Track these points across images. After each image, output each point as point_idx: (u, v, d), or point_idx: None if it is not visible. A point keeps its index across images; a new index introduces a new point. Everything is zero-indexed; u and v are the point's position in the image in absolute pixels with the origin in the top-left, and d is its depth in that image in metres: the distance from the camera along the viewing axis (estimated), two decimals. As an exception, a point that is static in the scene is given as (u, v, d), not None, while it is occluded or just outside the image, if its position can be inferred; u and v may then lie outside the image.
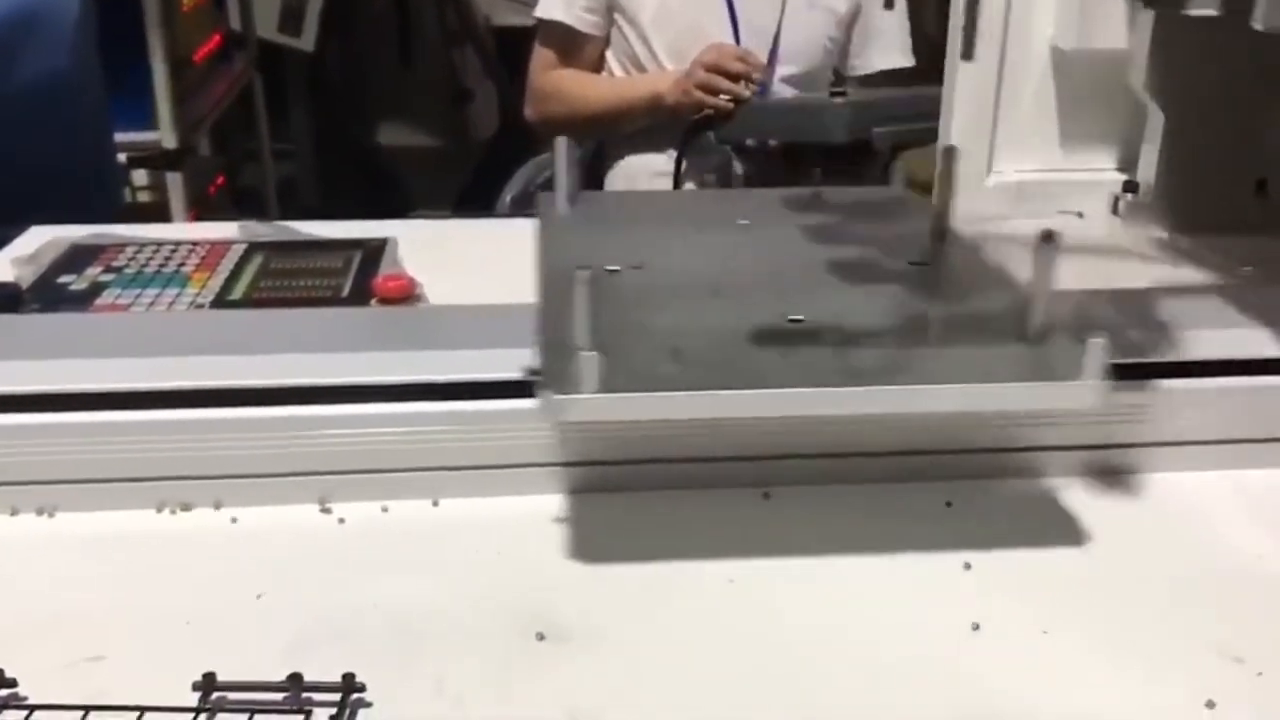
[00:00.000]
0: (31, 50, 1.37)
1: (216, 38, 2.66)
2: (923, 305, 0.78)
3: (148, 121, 2.25)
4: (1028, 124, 1.22)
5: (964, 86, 1.20)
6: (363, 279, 1.01)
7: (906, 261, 0.83)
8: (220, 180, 2.66)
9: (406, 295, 0.98)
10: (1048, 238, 0.69)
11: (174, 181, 2.27)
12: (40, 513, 0.76)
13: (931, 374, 0.67)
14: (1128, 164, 1.19)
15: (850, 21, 1.89)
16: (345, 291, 0.99)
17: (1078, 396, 0.67)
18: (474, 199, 3.14)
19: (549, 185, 1.94)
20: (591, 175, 1.91)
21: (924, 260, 0.83)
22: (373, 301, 0.97)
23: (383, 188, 3.39)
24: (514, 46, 3.10)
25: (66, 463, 0.75)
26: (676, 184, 1.78)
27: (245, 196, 3.06)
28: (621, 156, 1.89)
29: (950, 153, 0.84)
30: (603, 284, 0.79)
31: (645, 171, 1.86)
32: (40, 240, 1.13)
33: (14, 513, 0.76)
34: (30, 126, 1.39)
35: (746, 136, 1.75)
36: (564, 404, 0.64)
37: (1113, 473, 0.81)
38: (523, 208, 1.85)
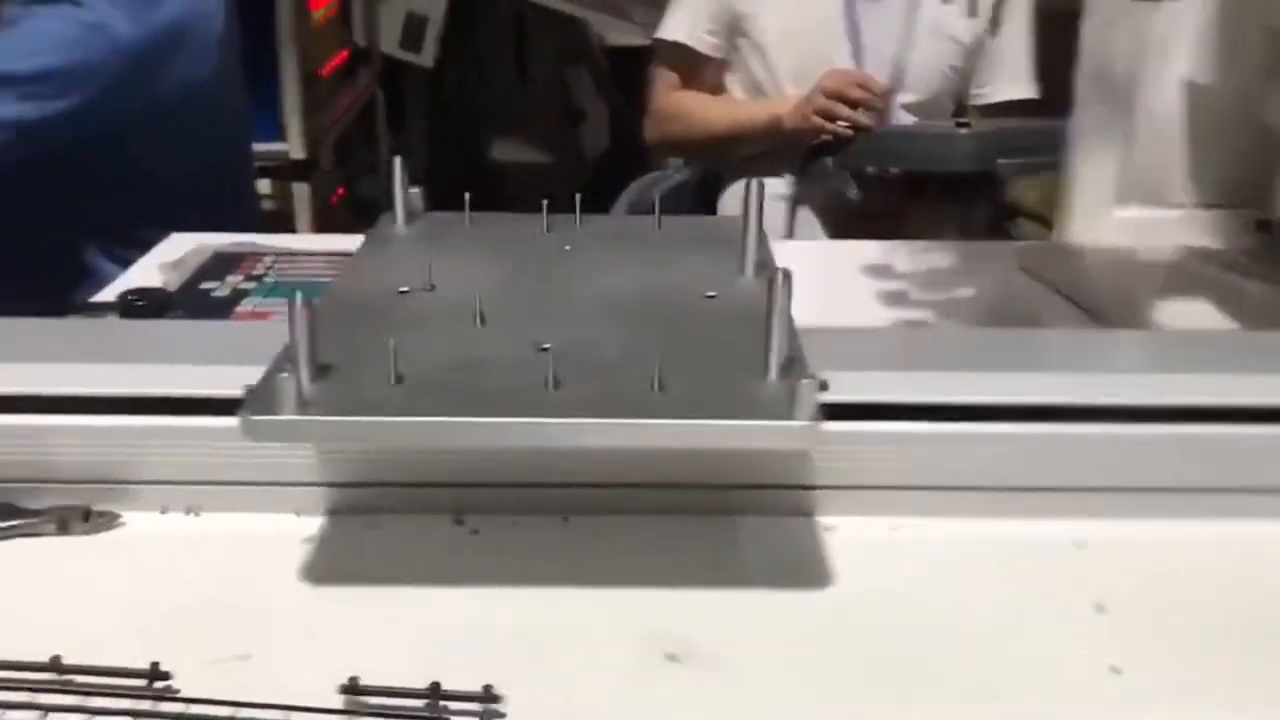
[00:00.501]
0: (179, 62, 1.42)
1: (344, 53, 2.73)
2: (689, 338, 0.75)
3: (275, 133, 2.32)
4: (1157, 158, 1.20)
5: (1092, 119, 1.20)
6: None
7: (702, 294, 0.81)
8: (341, 191, 2.72)
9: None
10: (783, 276, 0.67)
11: (300, 192, 2.34)
12: (188, 512, 0.79)
13: (648, 409, 0.65)
14: (1260, 202, 1.17)
15: (973, 51, 1.87)
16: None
17: (788, 437, 0.66)
18: (584, 216, 3.17)
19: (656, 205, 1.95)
20: (707, 197, 1.92)
21: (716, 294, 0.81)
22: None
23: (496, 202, 3.44)
24: (626, 67, 3.13)
25: (211, 464, 0.78)
26: (792, 210, 1.79)
27: (364, 207, 3.13)
28: (737, 179, 1.90)
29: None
30: (381, 305, 0.79)
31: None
32: (181, 247, 1.18)
33: (164, 510, 0.78)
34: (175, 136, 1.44)
35: (865, 164, 1.74)
36: (256, 425, 0.64)
37: (1196, 516, 0.78)
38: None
